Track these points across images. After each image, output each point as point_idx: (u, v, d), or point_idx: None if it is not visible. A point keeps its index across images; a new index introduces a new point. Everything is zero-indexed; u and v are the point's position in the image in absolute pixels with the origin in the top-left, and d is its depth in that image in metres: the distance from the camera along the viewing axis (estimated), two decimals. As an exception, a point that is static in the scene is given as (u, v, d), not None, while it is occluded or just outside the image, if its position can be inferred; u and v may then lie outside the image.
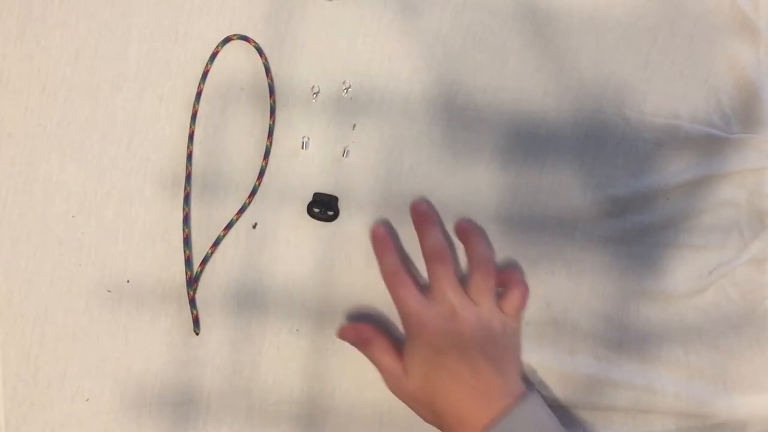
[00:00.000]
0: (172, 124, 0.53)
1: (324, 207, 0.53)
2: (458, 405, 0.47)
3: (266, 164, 0.53)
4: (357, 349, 0.51)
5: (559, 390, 0.53)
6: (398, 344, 0.51)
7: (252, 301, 0.53)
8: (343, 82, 0.54)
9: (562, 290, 0.54)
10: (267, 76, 0.53)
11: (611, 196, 0.54)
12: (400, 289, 0.49)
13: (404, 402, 0.50)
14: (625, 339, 0.54)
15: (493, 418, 0.46)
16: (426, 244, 0.51)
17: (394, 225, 0.54)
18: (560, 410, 0.53)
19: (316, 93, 0.54)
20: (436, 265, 0.50)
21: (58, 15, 0.53)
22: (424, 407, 0.49)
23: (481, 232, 0.53)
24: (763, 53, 0.55)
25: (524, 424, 0.47)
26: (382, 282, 0.52)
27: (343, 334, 0.52)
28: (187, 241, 0.53)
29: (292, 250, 0.53)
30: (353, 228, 0.53)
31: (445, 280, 0.49)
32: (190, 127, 0.53)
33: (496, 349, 0.49)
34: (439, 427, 0.49)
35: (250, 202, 0.53)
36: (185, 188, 0.53)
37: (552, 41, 0.55)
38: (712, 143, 0.55)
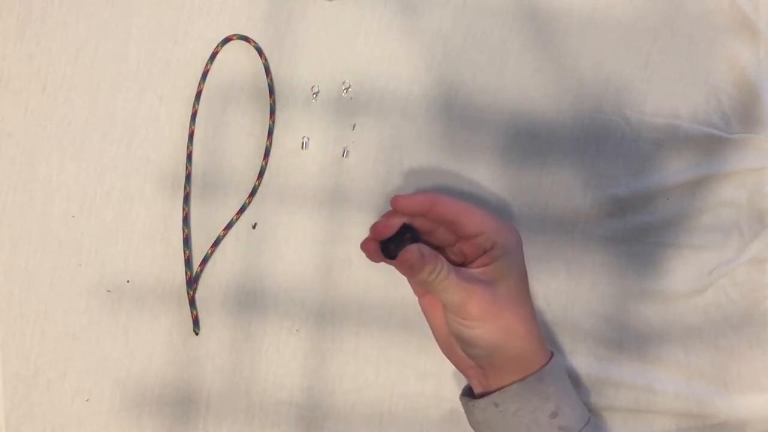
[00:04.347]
0: (172, 124, 0.53)
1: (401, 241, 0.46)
2: (530, 340, 0.46)
3: (266, 164, 0.53)
4: (414, 273, 0.44)
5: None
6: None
7: (252, 301, 0.53)
8: (343, 82, 0.54)
9: (562, 290, 0.54)
10: (267, 76, 0.53)
11: (611, 196, 0.54)
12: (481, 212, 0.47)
13: (464, 327, 0.44)
14: (625, 339, 0.54)
15: (555, 356, 0.47)
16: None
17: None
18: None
19: (316, 93, 0.54)
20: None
21: (58, 15, 0.53)
22: (491, 332, 0.44)
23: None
24: (763, 53, 0.55)
25: (561, 366, 0.48)
26: (382, 282, 0.52)
27: (405, 257, 0.44)
28: (187, 241, 0.53)
29: (292, 250, 0.53)
30: (353, 228, 0.53)
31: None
32: (190, 127, 0.53)
33: None
34: (485, 357, 0.46)
35: (250, 202, 0.53)
36: (185, 188, 0.53)
37: (552, 41, 0.55)
38: (712, 143, 0.55)
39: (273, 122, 0.53)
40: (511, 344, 0.45)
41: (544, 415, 0.45)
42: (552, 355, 0.47)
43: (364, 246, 0.48)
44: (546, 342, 0.48)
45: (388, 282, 0.53)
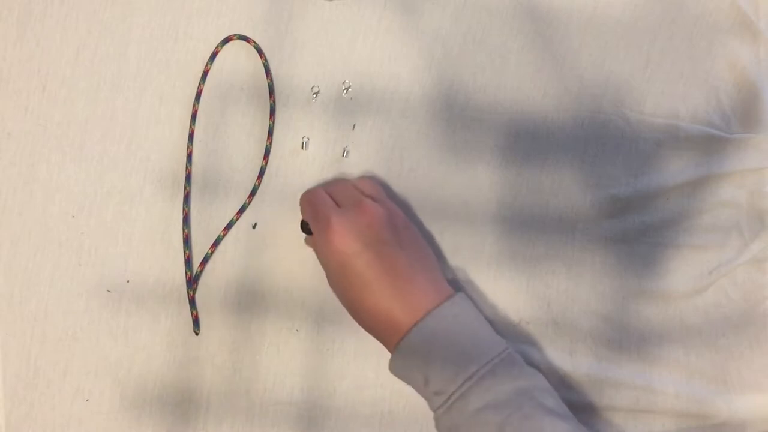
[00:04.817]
0: (172, 124, 0.53)
1: None
2: (385, 308, 0.46)
3: (266, 164, 0.53)
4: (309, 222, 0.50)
5: (559, 390, 0.53)
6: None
7: (252, 301, 0.53)
8: (343, 82, 0.54)
9: (562, 290, 0.54)
10: (267, 76, 0.53)
11: (611, 196, 0.54)
12: (314, 200, 0.49)
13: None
14: (625, 339, 0.54)
15: (423, 318, 0.45)
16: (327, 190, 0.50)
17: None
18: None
19: (316, 93, 0.54)
20: (332, 187, 0.51)
21: (58, 15, 0.53)
22: (353, 314, 0.49)
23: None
24: (763, 53, 0.55)
25: (450, 321, 0.45)
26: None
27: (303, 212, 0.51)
28: (187, 241, 0.53)
29: (292, 250, 0.53)
30: (353, 228, 0.53)
31: (343, 187, 0.50)
32: (190, 127, 0.53)
33: (413, 244, 0.49)
34: (372, 333, 0.48)
35: (250, 202, 0.53)
36: (185, 188, 0.53)
37: (552, 41, 0.55)
38: (712, 143, 0.55)
39: (273, 122, 0.53)
40: (360, 324, 0.48)
41: (420, 385, 0.46)
42: (427, 313, 0.45)
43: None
44: (416, 307, 0.46)
45: (388, 282, 0.53)
